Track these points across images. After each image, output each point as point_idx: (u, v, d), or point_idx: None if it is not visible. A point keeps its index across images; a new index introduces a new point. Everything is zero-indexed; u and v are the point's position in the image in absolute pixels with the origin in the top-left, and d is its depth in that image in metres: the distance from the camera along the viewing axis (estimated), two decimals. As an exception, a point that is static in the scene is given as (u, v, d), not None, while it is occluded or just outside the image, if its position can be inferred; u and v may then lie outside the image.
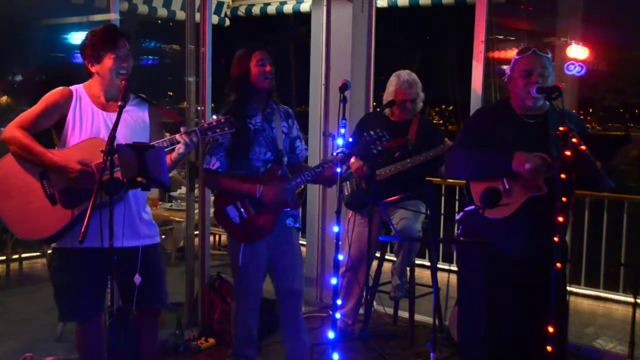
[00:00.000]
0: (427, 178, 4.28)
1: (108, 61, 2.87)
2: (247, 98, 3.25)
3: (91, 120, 2.89)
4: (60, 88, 2.92)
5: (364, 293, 4.28)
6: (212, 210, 4.88)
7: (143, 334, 3.15)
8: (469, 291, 3.22)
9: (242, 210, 3.22)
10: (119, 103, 2.63)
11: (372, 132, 3.10)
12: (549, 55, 3.01)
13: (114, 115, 2.87)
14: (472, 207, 3.07)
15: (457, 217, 3.26)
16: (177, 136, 2.82)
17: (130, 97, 3.01)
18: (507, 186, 2.95)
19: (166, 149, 2.82)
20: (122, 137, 2.84)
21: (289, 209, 3.27)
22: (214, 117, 2.92)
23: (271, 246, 3.30)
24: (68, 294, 2.94)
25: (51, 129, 2.90)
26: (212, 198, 3.51)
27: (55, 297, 2.99)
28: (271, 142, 3.27)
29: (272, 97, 3.33)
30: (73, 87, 2.94)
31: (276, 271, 3.36)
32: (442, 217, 6.08)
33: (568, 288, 3.00)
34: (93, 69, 2.91)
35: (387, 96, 4.28)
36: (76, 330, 3.03)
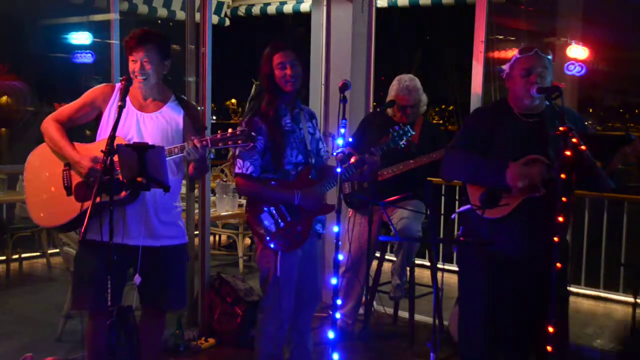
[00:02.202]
0: (428, 178, 4.28)
1: (129, 64, 2.95)
2: (276, 99, 3.17)
3: (124, 119, 2.91)
4: (102, 85, 3.05)
5: (364, 293, 4.28)
6: (211, 210, 4.86)
7: (146, 334, 3.15)
8: (469, 291, 3.22)
9: (277, 217, 3.11)
10: (119, 103, 2.64)
11: (397, 128, 3.28)
12: (550, 57, 3.00)
13: (147, 116, 2.97)
14: (467, 207, 3.06)
15: (452, 216, 3.26)
16: (186, 142, 2.81)
17: (171, 97, 3.05)
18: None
19: (177, 155, 2.83)
20: (151, 138, 2.90)
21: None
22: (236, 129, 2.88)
23: (300, 252, 3.21)
24: (82, 283, 2.99)
25: (93, 124, 3.00)
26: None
27: (72, 285, 3.07)
28: (301, 143, 3.20)
29: (298, 98, 3.27)
30: (118, 84, 3.01)
31: (299, 278, 3.24)
32: (442, 217, 6.08)
33: (568, 288, 3.00)
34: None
35: (389, 100, 4.28)
36: (86, 325, 3.03)
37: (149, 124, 2.96)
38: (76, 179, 2.91)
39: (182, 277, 3.16)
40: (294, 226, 3.12)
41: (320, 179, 3.22)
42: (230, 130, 2.78)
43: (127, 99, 2.93)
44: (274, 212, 3.11)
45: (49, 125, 2.95)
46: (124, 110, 2.90)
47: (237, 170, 3.12)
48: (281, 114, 3.18)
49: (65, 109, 3.00)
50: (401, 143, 3.32)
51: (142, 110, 2.97)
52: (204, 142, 2.76)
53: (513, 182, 2.85)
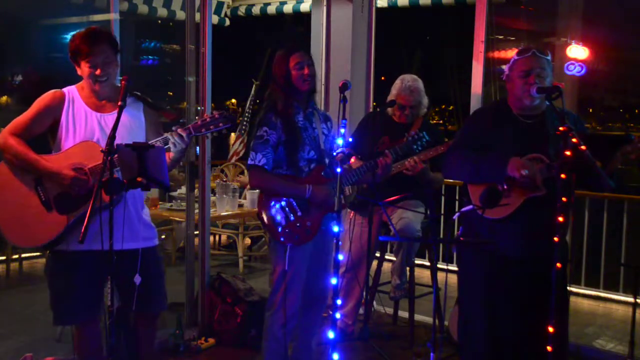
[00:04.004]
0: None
1: (84, 67, 2.82)
2: (290, 98, 3.22)
3: (84, 122, 2.84)
4: (52, 91, 2.88)
5: (364, 293, 4.28)
6: (211, 210, 4.86)
7: (141, 336, 3.13)
8: (469, 291, 3.22)
9: (288, 210, 3.14)
10: (119, 103, 2.59)
11: (413, 133, 3.36)
12: (549, 57, 3.00)
13: (108, 116, 2.87)
14: (469, 207, 3.07)
15: (454, 217, 3.26)
16: (169, 134, 2.77)
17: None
18: (505, 187, 2.95)
19: None
20: (119, 136, 2.81)
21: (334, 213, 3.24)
22: (213, 113, 2.86)
23: (311, 250, 3.24)
24: (63, 298, 2.91)
25: (46, 132, 2.86)
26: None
27: (51, 300, 2.94)
28: (313, 141, 3.25)
29: (312, 98, 3.32)
30: (66, 89, 2.90)
31: (308, 276, 3.25)
32: (442, 217, 6.08)
33: (568, 288, 3.00)
34: (78, 72, 2.87)
35: (390, 99, 4.28)
36: (74, 334, 3.01)
37: (111, 123, 2.81)
38: (53, 192, 2.77)
39: (163, 278, 3.13)
40: (303, 221, 3.15)
41: (332, 178, 3.24)
42: (206, 114, 2.76)
43: (82, 102, 2.87)
44: (285, 206, 3.15)
45: (7, 141, 2.76)
46: (82, 114, 2.85)
47: (249, 162, 3.18)
48: (294, 111, 3.23)
49: (21, 121, 2.82)
50: (416, 148, 3.39)
51: (100, 111, 2.88)
52: (187, 131, 2.75)
53: (515, 171, 2.85)
